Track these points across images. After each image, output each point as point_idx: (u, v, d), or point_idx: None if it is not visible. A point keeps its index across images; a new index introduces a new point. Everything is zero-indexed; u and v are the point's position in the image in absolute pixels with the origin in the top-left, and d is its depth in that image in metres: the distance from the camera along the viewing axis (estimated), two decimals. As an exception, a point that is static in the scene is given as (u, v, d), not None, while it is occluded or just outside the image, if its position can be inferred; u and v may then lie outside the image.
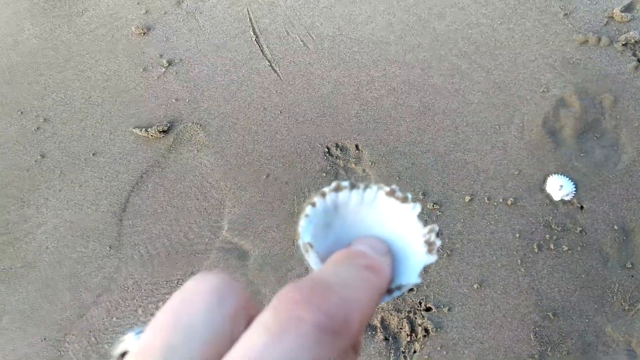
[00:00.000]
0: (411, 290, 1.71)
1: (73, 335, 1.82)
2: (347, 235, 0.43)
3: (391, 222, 0.43)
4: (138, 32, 2.50)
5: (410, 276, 0.40)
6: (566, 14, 2.22)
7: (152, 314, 1.80)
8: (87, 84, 2.38)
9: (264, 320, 0.28)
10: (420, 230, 0.41)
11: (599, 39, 2.10)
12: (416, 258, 0.41)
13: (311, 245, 0.40)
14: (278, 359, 0.26)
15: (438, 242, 0.40)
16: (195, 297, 0.31)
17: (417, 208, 0.42)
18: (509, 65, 2.12)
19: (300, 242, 0.40)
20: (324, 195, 0.42)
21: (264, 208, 1.95)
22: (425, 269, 1.73)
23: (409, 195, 0.42)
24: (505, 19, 2.26)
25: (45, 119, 2.28)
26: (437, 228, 0.41)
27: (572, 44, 2.13)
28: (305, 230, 0.41)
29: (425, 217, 1.82)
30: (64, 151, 2.19)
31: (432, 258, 0.40)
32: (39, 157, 2.19)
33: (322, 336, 0.27)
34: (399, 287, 0.39)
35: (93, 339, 1.81)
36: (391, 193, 0.42)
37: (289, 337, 0.27)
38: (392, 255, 0.41)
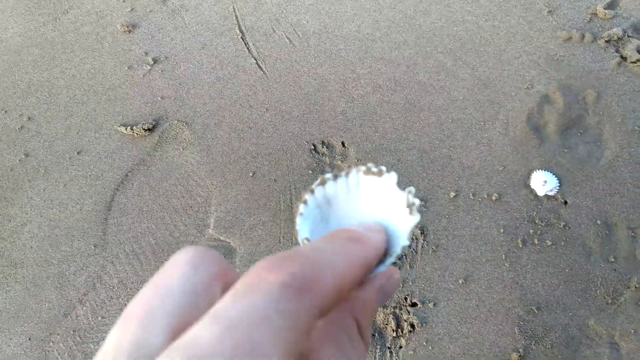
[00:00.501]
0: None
1: (58, 335, 1.81)
2: (345, 225, 0.44)
3: (378, 198, 0.44)
4: (123, 30, 2.49)
5: (401, 241, 0.41)
6: (550, 10, 2.24)
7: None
8: (71, 82, 2.37)
9: (235, 286, 0.29)
10: (401, 196, 0.42)
11: (583, 36, 2.12)
12: (404, 223, 0.42)
13: (308, 240, 0.41)
14: (241, 314, 0.26)
15: (417, 202, 0.41)
16: (172, 268, 0.32)
17: (394, 176, 0.43)
18: (494, 62, 2.14)
19: (299, 239, 0.42)
20: (312, 191, 0.43)
21: (250, 206, 1.96)
22: (411, 265, 1.74)
23: (383, 168, 0.43)
24: (490, 16, 2.27)
25: (29, 118, 2.27)
26: (413, 189, 0.42)
27: (556, 41, 2.15)
28: (301, 227, 0.42)
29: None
30: (49, 150, 2.18)
31: (415, 218, 0.41)
32: (23, 156, 2.17)
33: (286, 292, 0.28)
34: (390, 254, 0.40)
35: (78, 338, 1.80)
36: (368, 171, 0.43)
37: (253, 295, 0.28)
38: (387, 231, 0.42)
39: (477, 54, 2.17)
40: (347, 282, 0.33)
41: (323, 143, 2.05)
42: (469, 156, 1.93)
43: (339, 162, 2.00)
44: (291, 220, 1.90)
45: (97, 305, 1.86)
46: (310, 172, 1.99)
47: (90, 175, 2.10)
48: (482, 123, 1.99)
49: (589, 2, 2.24)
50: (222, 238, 1.91)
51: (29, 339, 1.82)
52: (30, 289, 1.92)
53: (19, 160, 2.17)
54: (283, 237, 1.88)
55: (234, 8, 2.49)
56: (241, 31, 2.41)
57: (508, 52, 2.15)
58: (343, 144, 2.04)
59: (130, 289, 1.87)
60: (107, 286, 1.89)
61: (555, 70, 2.07)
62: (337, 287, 0.31)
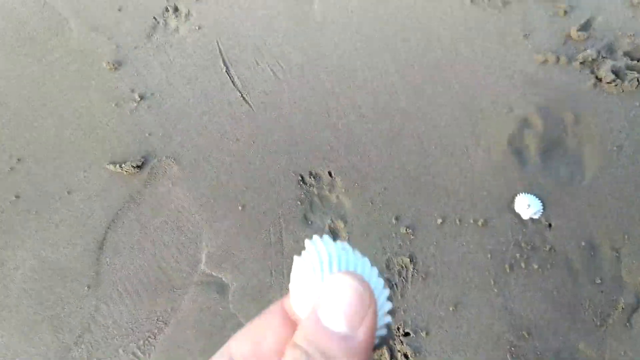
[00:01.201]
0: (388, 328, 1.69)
1: (54, 378, 1.77)
2: None
3: None
4: (109, 67, 2.47)
5: None
6: (526, 34, 2.24)
7: (134, 353, 1.76)
8: (59, 121, 2.33)
9: None
10: None
11: (558, 59, 2.13)
12: None
13: None
14: None
15: None
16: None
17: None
18: (473, 87, 2.13)
19: None
20: None
21: (241, 239, 1.93)
22: (402, 294, 1.72)
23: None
24: (468, 41, 2.27)
25: (18, 159, 2.23)
26: None
27: (532, 64, 2.15)
28: None
29: (399, 242, 1.82)
30: (39, 191, 2.14)
31: None
32: (14, 198, 2.13)
33: None
34: None
35: (74, 381, 1.76)
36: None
37: None
38: None
39: (457, 79, 2.16)
40: None
41: (310, 174, 2.03)
42: (453, 182, 1.92)
43: (327, 193, 1.98)
44: (281, 253, 1.88)
45: (92, 346, 1.82)
46: (299, 203, 1.97)
47: (81, 215, 2.06)
48: (464, 149, 1.99)
49: (563, 25, 2.25)
50: (214, 273, 1.88)
51: (25, 384, 1.78)
52: (25, 332, 1.87)
53: (10, 203, 2.13)
54: (274, 271, 1.86)
55: (217, 42, 2.47)
56: (225, 65, 2.40)
57: (487, 76, 2.15)
58: (330, 174, 2.02)
59: (125, 329, 1.83)
60: (102, 327, 1.85)
61: (533, 93, 2.07)
62: None
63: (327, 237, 0.43)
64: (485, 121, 2.04)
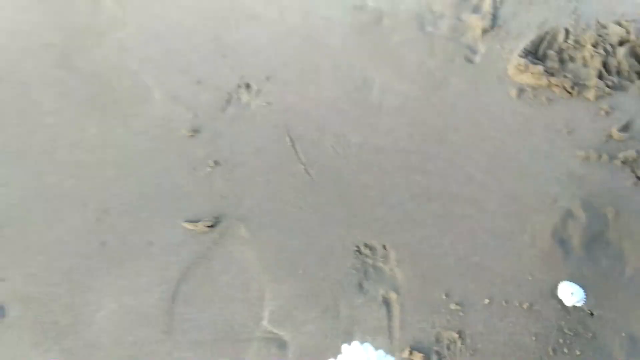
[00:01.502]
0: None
1: (124, 418, 1.87)
2: None
3: None
4: (188, 134, 2.67)
5: None
6: (569, 131, 2.37)
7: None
8: (142, 180, 2.52)
9: None
10: None
11: (600, 156, 2.24)
12: None
13: None
14: None
15: None
16: None
17: None
18: (520, 177, 2.25)
19: None
20: None
21: (301, 301, 2.03)
22: (450, 367, 1.79)
23: None
24: (515, 134, 2.41)
25: (104, 211, 2.41)
26: None
27: (575, 160, 2.27)
28: None
29: (448, 317, 1.90)
30: (122, 241, 2.30)
31: None
32: (100, 246, 2.29)
33: None
34: None
35: (143, 422, 1.85)
36: None
37: None
38: None
39: (504, 169, 2.29)
40: None
41: (366, 245, 2.15)
42: (500, 265, 2.01)
43: (381, 264, 2.09)
44: (337, 318, 1.97)
45: (160, 391, 1.92)
46: (354, 271, 2.08)
47: (158, 266, 2.20)
48: (510, 234, 2.08)
49: (604, 124, 2.37)
50: (275, 331, 1.98)
51: (98, 421, 1.88)
52: (102, 371, 1.99)
53: (96, 250, 2.29)
54: (330, 334, 1.94)
55: (284, 118, 2.66)
56: (291, 139, 2.57)
57: (532, 168, 2.27)
58: (384, 247, 2.13)
59: (192, 377, 1.93)
60: (171, 373, 1.95)
61: (577, 187, 2.17)
62: None
63: (366, 345, 0.54)
64: (531, 210, 2.14)
